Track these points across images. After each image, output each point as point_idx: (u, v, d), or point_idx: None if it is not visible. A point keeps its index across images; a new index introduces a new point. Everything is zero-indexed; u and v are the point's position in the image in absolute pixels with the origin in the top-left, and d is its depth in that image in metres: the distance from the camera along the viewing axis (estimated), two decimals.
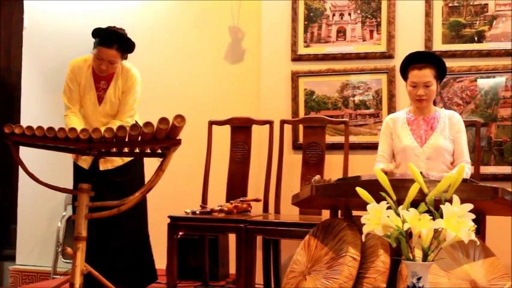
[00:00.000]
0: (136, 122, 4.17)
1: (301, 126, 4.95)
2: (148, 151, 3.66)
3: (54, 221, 6.05)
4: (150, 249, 4.68)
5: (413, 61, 4.07)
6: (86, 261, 3.58)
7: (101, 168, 4.46)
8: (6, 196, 6.61)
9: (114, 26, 4.47)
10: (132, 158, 4.39)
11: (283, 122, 4.91)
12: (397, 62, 4.77)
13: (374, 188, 2.62)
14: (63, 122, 4.39)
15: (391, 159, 4.18)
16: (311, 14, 5.12)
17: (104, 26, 4.45)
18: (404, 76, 4.13)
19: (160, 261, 4.64)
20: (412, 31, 4.86)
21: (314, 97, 5.07)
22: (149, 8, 5.87)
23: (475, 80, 4.71)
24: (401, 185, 2.76)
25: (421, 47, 4.72)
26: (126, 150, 3.67)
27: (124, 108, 4.48)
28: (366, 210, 2.52)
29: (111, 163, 4.49)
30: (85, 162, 4.43)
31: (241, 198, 4.65)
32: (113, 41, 4.33)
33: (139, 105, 4.57)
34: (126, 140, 3.40)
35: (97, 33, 4.37)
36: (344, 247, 3.06)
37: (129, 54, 4.52)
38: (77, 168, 4.53)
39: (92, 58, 4.43)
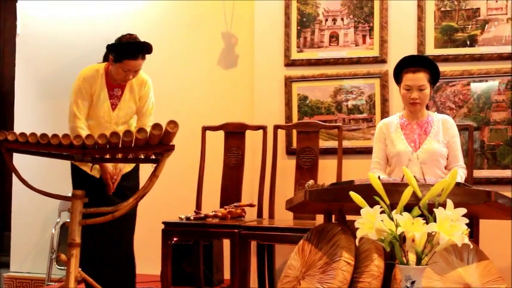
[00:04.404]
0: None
1: (294, 131, 4.95)
2: (142, 157, 3.65)
3: (48, 227, 6.03)
4: (134, 257, 4.59)
5: (407, 65, 4.08)
6: (83, 269, 3.56)
7: None
8: (0, 203, 6.59)
9: (128, 34, 4.40)
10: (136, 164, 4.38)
11: (276, 127, 4.92)
12: (389, 67, 4.79)
13: (367, 192, 2.63)
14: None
15: (386, 165, 4.18)
16: (304, 19, 5.13)
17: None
18: (398, 80, 4.13)
19: (155, 267, 4.63)
20: (404, 36, 4.88)
21: (307, 102, 5.07)
22: (142, 15, 5.87)
23: (468, 84, 4.73)
24: (394, 189, 2.77)
25: (413, 52, 4.73)
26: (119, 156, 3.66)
27: (146, 113, 4.51)
28: (359, 214, 2.52)
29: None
30: (96, 171, 4.37)
31: (235, 204, 4.65)
32: (138, 52, 4.30)
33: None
34: (120, 146, 3.40)
35: (117, 48, 4.31)
36: (338, 252, 3.06)
37: None
38: (78, 175, 4.45)
39: (107, 69, 4.38)
